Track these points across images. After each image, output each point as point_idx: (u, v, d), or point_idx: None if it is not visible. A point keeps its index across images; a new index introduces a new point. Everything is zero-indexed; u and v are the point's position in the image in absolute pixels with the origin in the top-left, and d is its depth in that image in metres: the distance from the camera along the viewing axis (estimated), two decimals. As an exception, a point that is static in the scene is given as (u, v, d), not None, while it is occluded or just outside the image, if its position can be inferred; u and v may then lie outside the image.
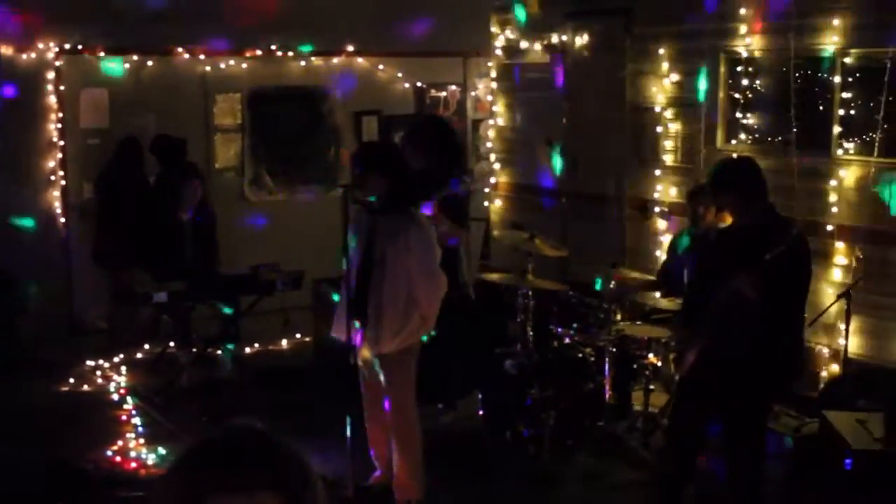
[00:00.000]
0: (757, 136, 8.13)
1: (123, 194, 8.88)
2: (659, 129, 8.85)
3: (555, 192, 9.78)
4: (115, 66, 9.46)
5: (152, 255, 8.58)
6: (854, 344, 7.09)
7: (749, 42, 7.99)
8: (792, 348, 5.34)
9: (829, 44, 7.42)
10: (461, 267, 7.17)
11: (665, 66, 8.74)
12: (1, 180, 9.06)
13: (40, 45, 9.11)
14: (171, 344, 8.67)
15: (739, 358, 5.08)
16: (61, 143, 9.24)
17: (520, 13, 10.21)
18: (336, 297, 8.26)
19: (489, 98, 11.04)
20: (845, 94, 7.38)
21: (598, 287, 7.30)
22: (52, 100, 9.21)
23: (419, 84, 10.91)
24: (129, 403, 7.88)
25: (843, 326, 6.89)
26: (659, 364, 7.04)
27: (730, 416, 5.29)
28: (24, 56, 9.09)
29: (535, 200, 10.08)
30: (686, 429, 5.44)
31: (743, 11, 7.99)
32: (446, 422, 7.43)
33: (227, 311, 8.55)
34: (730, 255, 5.29)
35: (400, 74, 10.77)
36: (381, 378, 5.91)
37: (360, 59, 10.54)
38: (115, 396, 8.08)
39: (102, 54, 9.33)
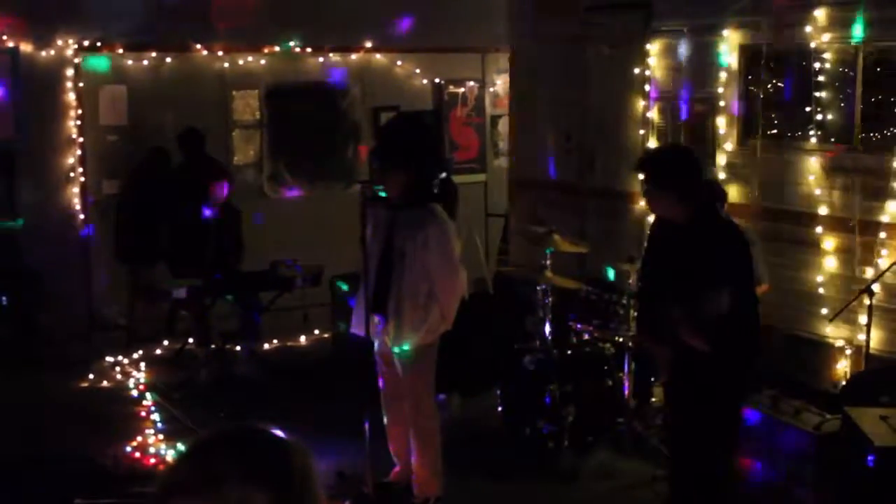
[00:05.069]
0: (777, 130, 8.06)
1: (150, 195, 8.89)
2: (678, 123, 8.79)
3: (573, 187, 9.74)
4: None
5: (174, 251, 8.60)
6: (876, 339, 7.02)
7: (769, 36, 7.92)
8: (750, 330, 5.27)
9: (851, 36, 7.34)
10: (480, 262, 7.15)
11: (684, 60, 8.68)
12: (21, 177, 9.09)
13: (59, 43, 9.13)
14: (190, 340, 8.70)
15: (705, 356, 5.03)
16: (80, 139, 9.27)
17: None
18: (345, 287, 8.31)
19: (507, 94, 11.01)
20: (866, 89, 7.29)
21: (610, 277, 7.24)
22: (72, 97, 9.23)
23: (437, 80, 10.88)
24: (149, 399, 7.91)
25: (864, 322, 6.83)
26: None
27: (709, 406, 5.20)
28: (44, 53, 9.12)
29: (553, 196, 10.03)
30: (683, 429, 5.38)
31: (763, 5, 7.92)
32: (454, 407, 7.45)
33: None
34: (668, 259, 5.22)
35: (418, 70, 10.74)
36: (401, 373, 5.90)
37: (378, 56, 10.52)
38: (135, 392, 8.11)
39: (121, 51, 9.34)
